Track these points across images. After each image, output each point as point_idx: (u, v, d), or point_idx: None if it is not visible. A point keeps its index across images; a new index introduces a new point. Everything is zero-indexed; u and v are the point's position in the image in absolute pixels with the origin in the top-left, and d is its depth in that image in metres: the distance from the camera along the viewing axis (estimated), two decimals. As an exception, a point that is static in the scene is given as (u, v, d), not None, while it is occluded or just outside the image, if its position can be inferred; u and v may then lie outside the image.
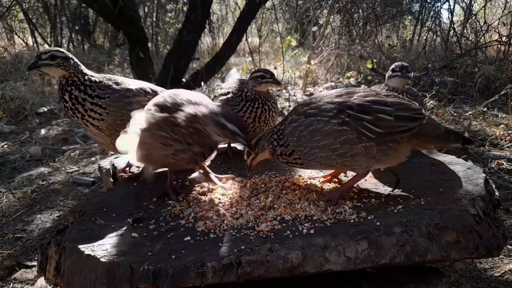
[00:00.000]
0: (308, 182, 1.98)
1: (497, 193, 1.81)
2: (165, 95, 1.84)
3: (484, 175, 1.87)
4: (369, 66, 6.92)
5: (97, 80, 1.98)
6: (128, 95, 2.00)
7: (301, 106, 1.81)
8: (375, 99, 1.71)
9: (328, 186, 1.94)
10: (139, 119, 1.73)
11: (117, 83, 2.01)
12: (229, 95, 2.37)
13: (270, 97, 2.35)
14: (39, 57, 1.91)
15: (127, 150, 1.76)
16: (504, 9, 7.57)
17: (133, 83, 2.08)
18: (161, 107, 1.73)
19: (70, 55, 1.95)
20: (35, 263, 2.55)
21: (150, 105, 1.81)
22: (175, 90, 1.93)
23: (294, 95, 6.57)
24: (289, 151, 1.78)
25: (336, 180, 1.99)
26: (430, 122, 1.77)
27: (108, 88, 1.97)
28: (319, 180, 2.00)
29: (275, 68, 7.89)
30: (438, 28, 8.03)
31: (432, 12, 8.64)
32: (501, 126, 4.55)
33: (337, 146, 1.67)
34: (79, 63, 1.97)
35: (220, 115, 1.66)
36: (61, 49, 1.98)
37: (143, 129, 1.71)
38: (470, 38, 7.47)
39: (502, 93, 4.78)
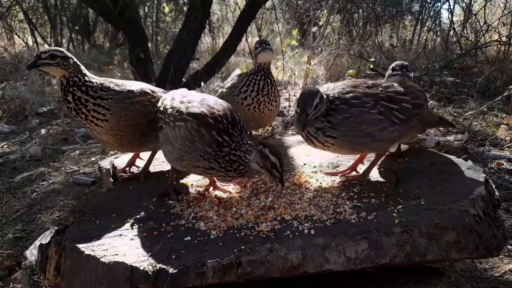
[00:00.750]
0: (308, 179, 1.99)
1: (497, 193, 1.81)
2: (196, 100, 1.83)
3: (484, 175, 1.87)
4: (370, 66, 6.92)
5: (97, 81, 1.98)
6: (130, 96, 2.01)
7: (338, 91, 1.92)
8: (396, 90, 1.96)
9: (327, 179, 1.98)
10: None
11: (117, 85, 2.02)
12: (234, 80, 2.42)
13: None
14: (38, 56, 1.91)
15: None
16: (504, 9, 7.57)
17: (133, 85, 2.09)
18: (204, 121, 1.73)
19: (70, 55, 1.95)
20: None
21: (183, 107, 1.79)
22: (203, 95, 1.94)
23: (294, 95, 6.56)
24: (330, 133, 1.87)
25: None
26: (429, 110, 2.06)
27: (110, 89, 1.98)
28: (321, 176, 2.03)
29: (276, 68, 7.89)
30: (438, 28, 8.02)
31: (432, 12, 8.64)
32: (502, 126, 4.55)
33: (374, 132, 1.88)
34: (79, 63, 1.97)
35: (264, 146, 1.71)
36: (61, 49, 1.98)
37: (185, 138, 1.73)
38: (470, 38, 7.46)
39: (505, 94, 4.77)
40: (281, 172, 1.72)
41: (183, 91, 2.04)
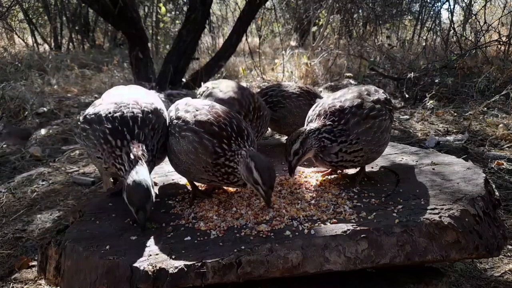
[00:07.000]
0: (308, 179, 1.98)
1: (497, 193, 1.82)
2: (204, 110, 1.80)
3: (484, 175, 1.87)
4: (369, 66, 6.92)
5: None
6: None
7: (351, 108, 1.87)
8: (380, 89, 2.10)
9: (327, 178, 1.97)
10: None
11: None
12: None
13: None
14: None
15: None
16: (504, 9, 7.58)
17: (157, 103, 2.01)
18: (212, 131, 1.71)
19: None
20: (35, 263, 2.55)
21: (190, 117, 1.78)
22: (212, 103, 1.90)
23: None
24: (354, 148, 1.85)
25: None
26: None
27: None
28: (321, 175, 2.03)
29: (275, 67, 7.89)
30: (438, 28, 8.04)
31: (432, 12, 8.66)
32: (501, 126, 4.55)
33: (386, 138, 1.97)
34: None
35: (252, 158, 1.64)
36: None
37: (189, 151, 1.72)
38: (470, 38, 7.47)
39: (503, 93, 4.77)
40: (266, 190, 1.62)
41: (188, 100, 2.00)
